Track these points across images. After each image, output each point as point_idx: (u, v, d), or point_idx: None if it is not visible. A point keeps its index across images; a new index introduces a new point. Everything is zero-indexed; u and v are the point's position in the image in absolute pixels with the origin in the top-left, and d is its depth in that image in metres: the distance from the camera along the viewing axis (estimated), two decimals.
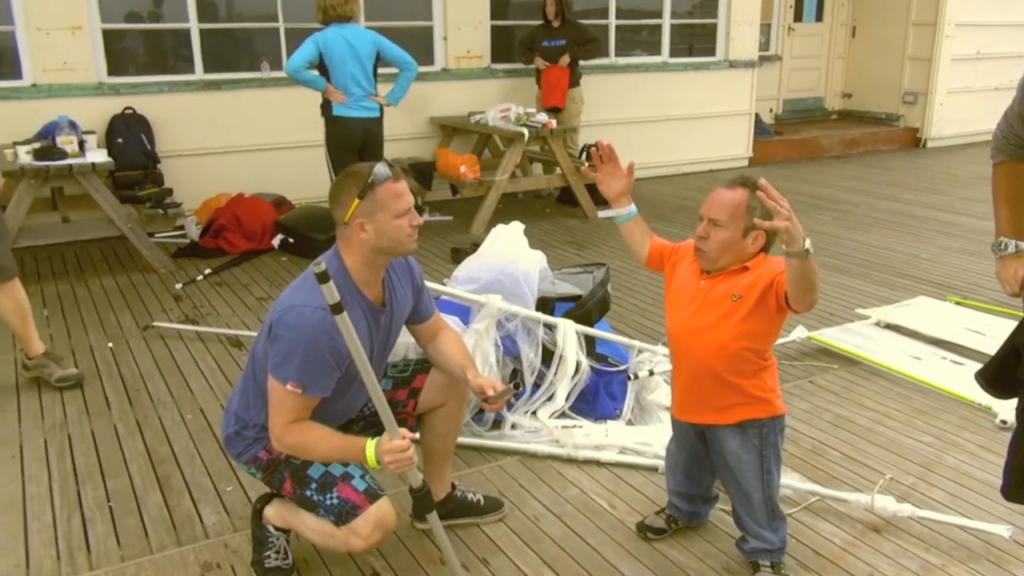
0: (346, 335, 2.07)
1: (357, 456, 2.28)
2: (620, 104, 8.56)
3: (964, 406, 3.68)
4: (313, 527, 2.40)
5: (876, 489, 2.88)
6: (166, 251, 6.01)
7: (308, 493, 2.37)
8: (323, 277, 1.97)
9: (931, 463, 3.24)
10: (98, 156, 5.61)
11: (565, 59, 7.35)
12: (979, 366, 3.96)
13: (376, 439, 2.25)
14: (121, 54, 6.68)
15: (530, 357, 3.44)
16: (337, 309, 2.02)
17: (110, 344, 4.44)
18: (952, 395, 3.76)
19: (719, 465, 2.56)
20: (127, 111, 6.43)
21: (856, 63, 11.53)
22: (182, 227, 6.45)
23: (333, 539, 2.37)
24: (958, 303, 4.93)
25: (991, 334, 4.33)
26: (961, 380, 3.85)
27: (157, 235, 6.27)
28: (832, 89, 11.79)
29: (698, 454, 2.63)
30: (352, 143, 5.78)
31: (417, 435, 2.28)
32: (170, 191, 6.32)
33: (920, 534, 2.79)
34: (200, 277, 5.54)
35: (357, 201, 2.28)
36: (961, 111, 10.94)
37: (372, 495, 2.34)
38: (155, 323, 4.68)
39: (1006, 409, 3.52)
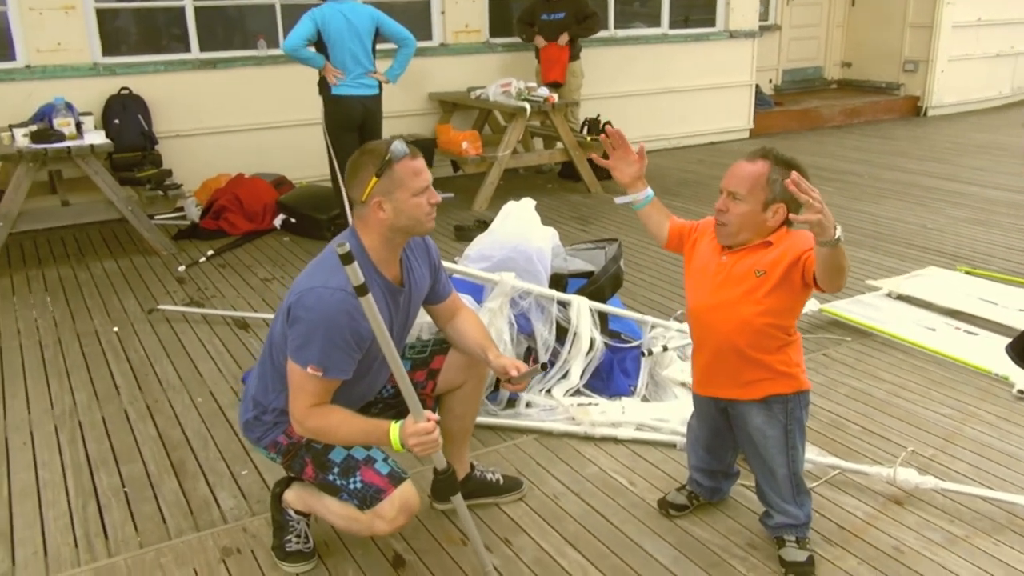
0: (371, 317, 2.03)
1: (380, 439, 2.24)
2: (620, 77, 8.47)
3: (981, 377, 3.66)
4: (336, 511, 2.37)
5: (899, 462, 2.86)
6: (167, 233, 5.95)
7: (331, 477, 2.34)
8: (347, 258, 1.92)
9: (950, 435, 3.22)
10: (96, 138, 5.54)
11: (564, 38, 7.26)
12: (994, 336, 4.00)
13: (399, 422, 2.21)
14: (115, 34, 6.58)
15: (544, 335, 3.41)
16: (362, 291, 1.97)
17: (115, 328, 4.40)
18: (968, 366, 3.74)
19: (743, 440, 2.54)
20: (123, 92, 6.34)
21: (856, 31, 11.43)
22: (182, 209, 6.39)
23: (357, 523, 2.34)
24: (968, 273, 4.90)
25: (1003, 303, 4.32)
26: (976, 350, 3.83)
27: (156, 217, 6.20)
28: (831, 58, 11.70)
29: (720, 429, 2.60)
30: (352, 122, 5.68)
31: (438, 417, 2.25)
32: (169, 172, 6.24)
33: (943, 506, 2.77)
34: (203, 259, 5.49)
35: (375, 179, 2.23)
36: (962, 79, 10.87)
37: (396, 478, 2.31)
38: (160, 306, 4.63)
39: (1023, 379, 3.50)
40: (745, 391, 2.44)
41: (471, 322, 2.64)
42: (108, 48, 6.43)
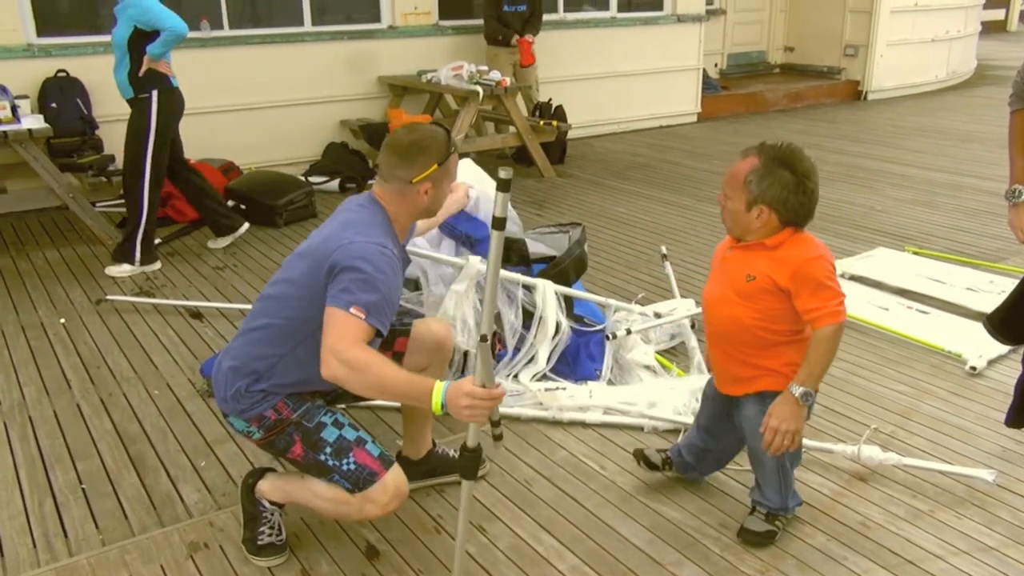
0: (494, 254, 1.92)
1: (421, 391, 2.07)
2: (570, 61, 8.46)
3: (933, 354, 3.76)
4: (324, 495, 2.33)
5: (862, 439, 2.93)
6: (111, 221, 5.76)
7: (323, 457, 2.29)
8: (506, 186, 1.86)
9: (907, 411, 3.30)
10: (34, 122, 5.32)
11: (531, 38, 7.43)
12: (944, 315, 4.10)
13: (446, 381, 2.08)
14: (51, 14, 6.32)
15: (511, 319, 3.39)
16: (499, 225, 1.90)
17: (62, 320, 4.25)
18: (921, 343, 3.83)
19: (738, 425, 2.54)
20: (60, 74, 6.10)
21: (798, 16, 11.60)
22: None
23: (347, 507, 2.30)
24: (916, 253, 5.03)
25: (951, 283, 4.44)
26: (928, 328, 3.93)
27: (99, 205, 5.99)
28: (775, 43, 11.86)
29: (719, 414, 2.61)
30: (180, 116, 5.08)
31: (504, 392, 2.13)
32: (112, 158, 6.04)
33: (905, 481, 2.84)
34: None
35: (436, 167, 2.30)
36: (900, 63, 11.12)
37: (386, 461, 2.30)
38: (108, 296, 4.48)
39: (974, 356, 3.61)
40: (740, 387, 2.45)
41: None
42: (43, 28, 6.18)
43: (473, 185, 3.45)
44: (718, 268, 2.45)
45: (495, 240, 1.89)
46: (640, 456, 2.81)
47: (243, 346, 2.36)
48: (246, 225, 5.43)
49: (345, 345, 2.08)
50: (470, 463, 2.16)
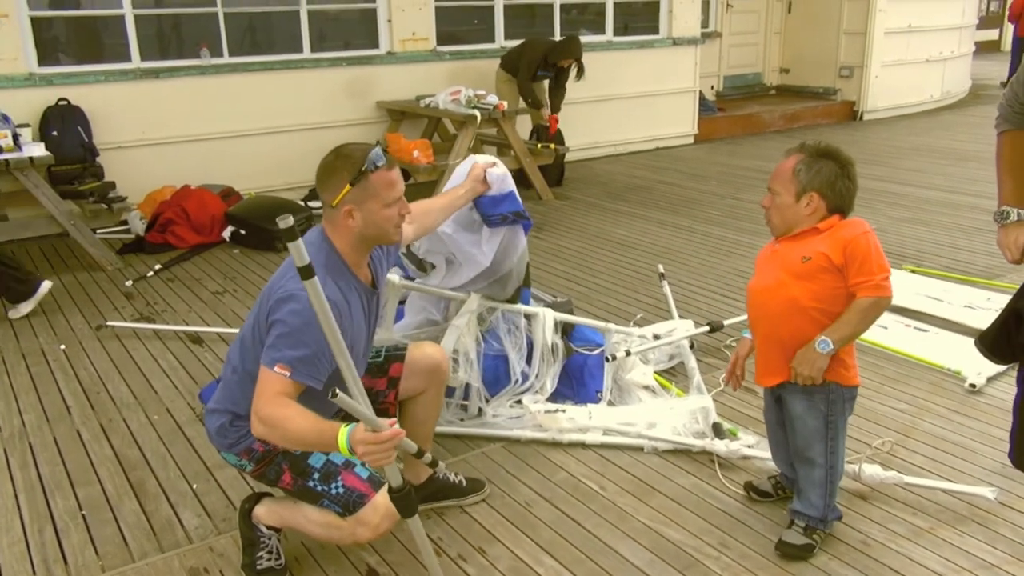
0: (316, 304, 1.89)
1: (330, 439, 2.04)
2: (567, 84, 8.51)
3: (932, 371, 3.77)
4: (315, 519, 2.33)
5: (863, 458, 2.92)
6: (111, 248, 5.78)
7: (311, 483, 2.29)
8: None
9: (907, 429, 3.31)
10: (35, 150, 5.36)
11: (553, 114, 7.54)
12: (943, 332, 4.11)
13: (352, 425, 2.03)
14: (52, 43, 6.40)
15: (514, 354, 3.37)
16: (307, 273, 1.84)
17: (63, 346, 4.26)
18: (920, 361, 3.84)
19: (787, 428, 2.58)
20: (61, 102, 6.15)
21: (793, 38, 11.70)
22: (126, 222, 6.23)
23: (339, 530, 2.30)
24: (913, 271, 5.05)
25: (949, 300, 4.45)
26: (927, 346, 3.94)
27: (99, 231, 6.03)
28: (770, 65, 11.95)
29: (779, 421, 2.64)
30: None
31: (403, 431, 2.08)
32: (113, 185, 6.08)
33: (905, 499, 2.84)
34: (150, 273, 5.35)
35: (348, 188, 2.21)
36: (895, 84, 11.20)
37: (376, 483, 2.29)
38: (108, 323, 4.49)
39: (973, 373, 3.61)
40: (784, 374, 2.48)
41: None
42: (44, 58, 6.25)
43: (495, 162, 3.23)
44: (766, 263, 2.52)
45: (311, 290, 1.86)
46: (750, 488, 2.86)
47: (223, 390, 2.39)
48: (47, 284, 4.69)
49: (261, 403, 2.12)
50: (402, 502, 2.19)
